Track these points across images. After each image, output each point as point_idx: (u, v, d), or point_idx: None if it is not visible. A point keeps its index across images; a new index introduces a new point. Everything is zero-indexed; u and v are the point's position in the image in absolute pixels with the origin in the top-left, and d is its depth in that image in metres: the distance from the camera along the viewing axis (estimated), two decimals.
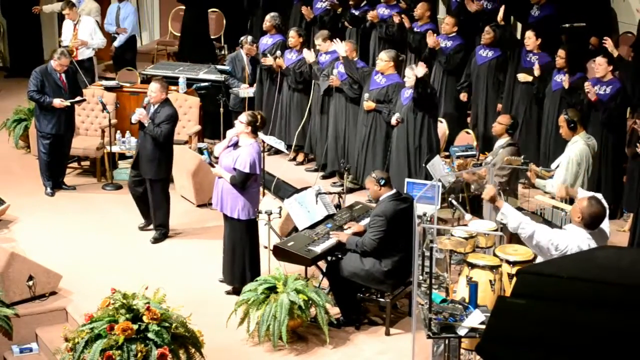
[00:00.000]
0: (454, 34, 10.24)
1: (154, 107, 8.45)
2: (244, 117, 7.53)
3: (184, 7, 14.17)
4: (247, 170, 7.34)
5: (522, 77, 9.57)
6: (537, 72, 9.28)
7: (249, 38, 10.96)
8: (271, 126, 10.58)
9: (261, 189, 9.17)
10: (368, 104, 9.26)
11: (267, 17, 11.01)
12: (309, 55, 10.07)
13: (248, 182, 7.41)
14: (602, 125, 8.61)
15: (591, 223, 5.54)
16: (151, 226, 8.81)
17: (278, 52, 10.54)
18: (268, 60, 10.46)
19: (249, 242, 7.58)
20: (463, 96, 10.18)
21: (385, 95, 9.20)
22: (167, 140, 8.55)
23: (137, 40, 13.62)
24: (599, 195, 6.08)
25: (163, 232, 8.73)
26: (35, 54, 14.12)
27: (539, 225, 5.65)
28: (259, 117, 7.59)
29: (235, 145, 7.52)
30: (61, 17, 13.95)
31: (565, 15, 10.41)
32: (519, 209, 7.91)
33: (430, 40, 10.07)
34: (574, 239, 5.47)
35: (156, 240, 8.68)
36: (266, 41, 10.92)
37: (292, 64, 10.37)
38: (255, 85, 10.88)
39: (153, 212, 8.68)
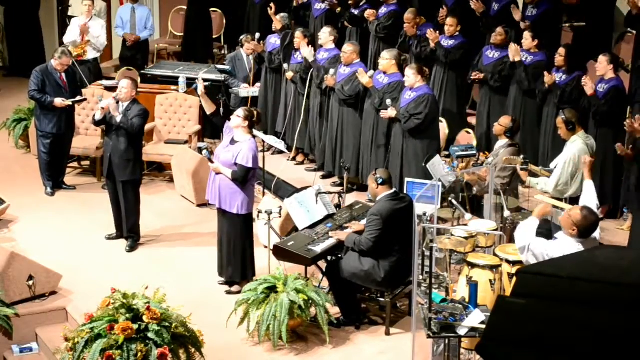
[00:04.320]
0: (457, 34, 10.22)
1: (124, 105, 8.36)
2: (241, 111, 7.56)
3: (184, 7, 14.19)
4: (249, 165, 7.38)
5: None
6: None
7: (257, 35, 10.93)
8: (276, 128, 10.63)
9: (261, 188, 9.18)
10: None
11: (278, 17, 10.99)
12: (307, 52, 10.04)
13: (248, 177, 7.44)
14: (601, 122, 8.62)
15: (584, 233, 5.61)
16: (117, 236, 8.72)
17: (285, 66, 10.51)
18: (288, 75, 10.43)
19: (248, 236, 7.63)
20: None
21: (383, 91, 9.18)
22: (138, 138, 8.48)
23: None
24: (592, 202, 6.14)
25: (136, 239, 8.60)
26: (36, 53, 14.13)
27: (535, 242, 5.70)
28: (254, 112, 7.63)
29: (232, 141, 7.55)
30: (61, 17, 13.98)
31: (561, 11, 10.43)
32: (519, 208, 7.93)
33: (432, 36, 10.06)
34: (563, 249, 5.48)
35: (132, 249, 8.54)
36: (274, 41, 10.90)
37: (298, 64, 10.36)
38: (257, 84, 10.88)
39: (125, 217, 8.52)
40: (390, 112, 8.87)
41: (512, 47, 9.48)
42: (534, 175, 7.88)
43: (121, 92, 8.35)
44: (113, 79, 11.71)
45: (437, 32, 10.16)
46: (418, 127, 8.77)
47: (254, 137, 7.76)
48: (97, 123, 8.51)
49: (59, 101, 9.51)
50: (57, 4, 14.67)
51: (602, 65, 8.63)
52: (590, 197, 6.39)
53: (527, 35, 9.59)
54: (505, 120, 8.28)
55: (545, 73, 9.10)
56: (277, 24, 10.97)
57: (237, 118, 7.53)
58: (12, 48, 14.51)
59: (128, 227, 8.55)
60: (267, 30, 11.33)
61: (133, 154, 8.36)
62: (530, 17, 10.37)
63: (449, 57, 10.12)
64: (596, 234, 5.75)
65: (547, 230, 6.35)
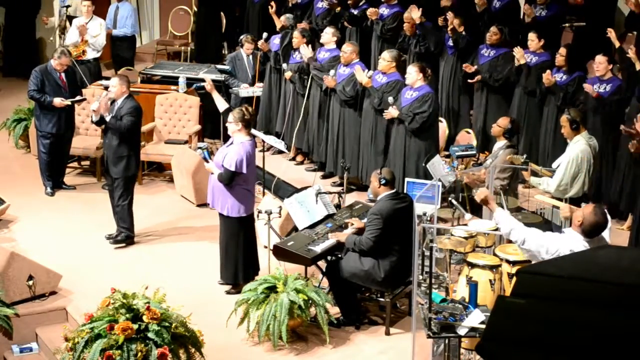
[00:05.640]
0: (462, 34, 10.23)
1: (118, 102, 8.36)
2: (232, 116, 7.51)
3: (184, 7, 14.19)
4: (232, 168, 7.35)
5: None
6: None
7: (265, 35, 10.94)
8: (276, 128, 10.64)
9: (261, 188, 9.18)
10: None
11: (282, 18, 11.02)
12: (306, 51, 10.05)
13: (234, 181, 7.42)
14: (602, 122, 8.62)
15: (589, 231, 5.44)
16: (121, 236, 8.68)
17: (284, 66, 10.52)
18: (287, 75, 10.45)
19: (241, 239, 7.59)
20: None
21: (382, 90, 9.18)
22: (132, 135, 8.40)
23: (137, 39, 13.63)
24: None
25: (126, 235, 8.57)
26: (29, 54, 14.14)
27: (529, 231, 5.58)
28: (245, 110, 7.60)
29: (231, 142, 7.55)
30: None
31: (570, 14, 10.45)
32: (519, 208, 7.92)
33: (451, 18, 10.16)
34: (568, 244, 5.41)
35: (117, 242, 8.53)
36: (277, 41, 10.91)
37: (297, 64, 10.37)
38: (258, 84, 10.88)
39: (116, 211, 8.52)
40: (393, 112, 8.86)
41: (518, 51, 9.46)
42: (536, 174, 7.88)
43: (111, 92, 8.36)
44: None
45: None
46: (422, 126, 8.77)
47: (253, 137, 7.75)
48: (96, 123, 8.54)
49: (58, 101, 9.51)
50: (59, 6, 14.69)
51: (603, 66, 8.63)
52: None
53: (532, 36, 9.55)
54: (504, 122, 8.27)
55: (544, 74, 9.09)
56: (278, 24, 10.97)
57: (231, 124, 7.49)
58: (8, 49, 14.52)
59: (119, 222, 8.55)
60: (266, 29, 11.35)
61: (126, 151, 8.34)
62: (541, 18, 10.37)
63: (460, 44, 10.12)
64: (606, 236, 5.67)
65: (547, 230, 6.33)
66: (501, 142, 8.22)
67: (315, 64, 10.01)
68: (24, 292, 7.39)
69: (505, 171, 7.89)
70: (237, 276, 7.60)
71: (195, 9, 14.27)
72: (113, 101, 8.40)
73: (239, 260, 7.59)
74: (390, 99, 8.93)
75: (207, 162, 7.65)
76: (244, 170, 7.42)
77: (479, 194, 5.83)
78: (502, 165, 7.87)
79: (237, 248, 7.58)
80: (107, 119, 8.27)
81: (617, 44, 8.97)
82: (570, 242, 5.42)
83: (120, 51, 12.77)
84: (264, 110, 10.92)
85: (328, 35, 10.14)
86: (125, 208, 8.49)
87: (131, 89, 9.35)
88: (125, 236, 8.58)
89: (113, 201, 8.56)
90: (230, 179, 7.40)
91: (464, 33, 10.19)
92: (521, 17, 10.87)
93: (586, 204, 5.80)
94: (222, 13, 14.15)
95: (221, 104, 8.08)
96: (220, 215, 7.58)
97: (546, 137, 9.27)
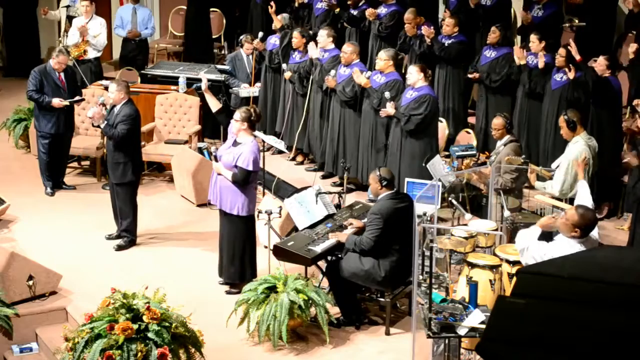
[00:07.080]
0: (455, 34, 10.23)
1: (117, 108, 8.34)
2: (238, 114, 7.51)
3: (184, 7, 14.20)
4: (250, 167, 7.36)
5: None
6: (541, 65, 9.26)
7: (260, 34, 10.95)
8: (275, 128, 10.63)
9: (261, 188, 9.18)
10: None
11: (279, 17, 11.03)
12: (313, 50, 10.06)
13: (249, 179, 7.43)
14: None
15: (587, 231, 5.60)
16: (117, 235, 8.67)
17: (284, 66, 10.53)
18: (286, 75, 10.46)
19: (249, 238, 7.62)
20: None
21: (381, 90, 9.19)
22: (128, 142, 8.29)
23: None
24: (586, 200, 6.14)
25: (129, 240, 8.55)
26: (32, 53, 14.14)
27: (534, 244, 5.70)
28: (252, 111, 7.59)
29: (234, 142, 7.53)
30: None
31: (570, 13, 10.47)
32: (520, 208, 7.93)
33: (427, 32, 10.07)
34: (563, 251, 5.44)
35: (120, 248, 8.50)
36: (274, 41, 10.92)
37: (296, 64, 10.37)
38: (257, 84, 10.89)
39: (119, 217, 8.51)
40: (390, 110, 8.86)
41: (518, 51, 9.47)
42: (542, 179, 7.89)
43: (109, 98, 8.36)
44: (113, 78, 11.69)
45: (432, 27, 10.17)
46: (417, 128, 8.77)
47: (254, 137, 7.75)
48: (97, 126, 8.55)
49: (56, 101, 9.51)
50: (57, 5, 14.70)
51: (601, 68, 8.64)
52: (584, 197, 6.39)
53: (533, 37, 9.55)
54: (498, 121, 8.30)
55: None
56: (276, 23, 10.99)
57: (236, 122, 7.47)
58: (9, 48, 14.52)
59: (121, 227, 8.56)
60: (269, 29, 11.37)
61: (123, 157, 8.30)
62: (537, 18, 10.38)
63: (444, 52, 10.12)
64: (595, 234, 5.73)
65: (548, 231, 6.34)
66: (504, 138, 8.26)
67: (317, 61, 10.00)
68: (24, 292, 7.39)
69: (512, 167, 7.92)
70: (244, 275, 7.59)
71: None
72: (113, 107, 8.40)
73: (245, 259, 7.61)
74: (387, 94, 8.92)
75: (217, 161, 7.59)
76: (258, 168, 7.45)
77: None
78: (506, 166, 7.88)
79: (245, 246, 7.59)
80: (102, 125, 8.27)
81: (578, 57, 9.07)
82: (564, 249, 5.45)
83: (134, 53, 12.70)
84: (262, 110, 10.92)
85: (323, 37, 10.14)
86: (129, 213, 8.49)
87: (131, 88, 9.35)
88: (129, 241, 8.58)
89: (114, 202, 8.55)
90: (246, 179, 7.41)
91: (456, 33, 10.19)
92: (513, 17, 10.90)
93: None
94: (221, 13, 14.17)
95: (214, 104, 8.09)
96: (227, 215, 7.56)
97: (546, 138, 9.27)
